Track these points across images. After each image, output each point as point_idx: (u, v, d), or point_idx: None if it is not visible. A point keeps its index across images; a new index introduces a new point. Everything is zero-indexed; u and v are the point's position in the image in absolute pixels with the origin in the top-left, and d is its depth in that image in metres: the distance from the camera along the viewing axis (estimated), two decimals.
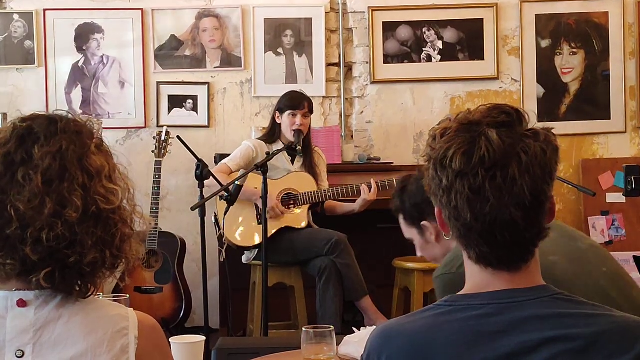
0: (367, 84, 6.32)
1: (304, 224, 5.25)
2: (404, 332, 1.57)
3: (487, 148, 1.51)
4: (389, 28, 6.27)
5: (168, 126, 5.84)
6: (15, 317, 1.55)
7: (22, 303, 1.56)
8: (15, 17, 6.13)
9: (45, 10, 6.13)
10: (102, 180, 1.61)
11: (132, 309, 1.64)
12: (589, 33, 6.34)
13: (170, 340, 2.66)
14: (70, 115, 1.65)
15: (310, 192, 5.23)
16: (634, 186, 4.74)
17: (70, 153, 1.59)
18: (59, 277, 1.55)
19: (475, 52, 6.31)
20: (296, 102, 5.27)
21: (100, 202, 1.58)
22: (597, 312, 1.53)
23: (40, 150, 1.57)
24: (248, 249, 5.23)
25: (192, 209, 4.58)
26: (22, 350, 1.54)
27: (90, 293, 1.61)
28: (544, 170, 1.53)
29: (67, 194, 1.55)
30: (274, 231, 5.10)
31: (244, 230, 5.20)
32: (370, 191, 5.17)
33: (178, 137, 4.81)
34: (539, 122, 1.62)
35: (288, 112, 5.25)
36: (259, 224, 4.93)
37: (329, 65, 6.31)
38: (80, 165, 1.59)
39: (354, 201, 5.29)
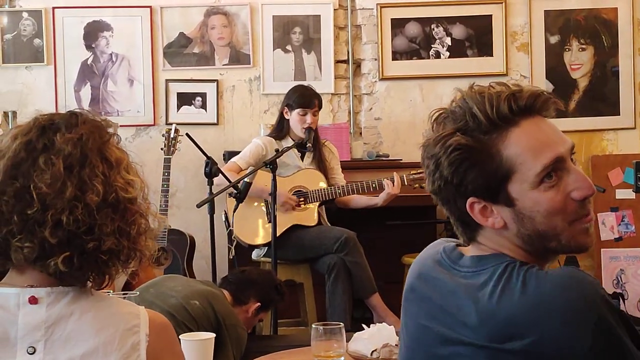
0: (375, 81, 6.31)
1: (313, 222, 5.24)
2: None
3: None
4: (398, 25, 6.27)
5: (177, 124, 5.84)
6: (27, 314, 1.56)
7: (33, 300, 1.56)
8: (25, 15, 6.14)
9: (54, 8, 6.14)
10: (121, 171, 1.63)
11: (143, 307, 1.65)
12: (598, 29, 6.33)
13: (180, 337, 2.67)
14: (89, 113, 1.68)
15: (320, 190, 5.22)
16: None
17: (91, 142, 1.61)
18: (77, 263, 1.55)
19: (484, 48, 6.30)
20: (307, 99, 5.24)
21: (119, 191, 1.60)
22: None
23: (62, 138, 1.59)
24: (258, 247, 5.23)
25: (198, 205, 4.60)
26: (33, 347, 1.55)
27: (104, 284, 1.62)
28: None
29: (87, 179, 1.57)
30: (283, 229, 5.10)
31: (253, 228, 5.20)
32: (393, 185, 5.15)
33: (187, 134, 4.81)
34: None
35: (298, 109, 5.23)
36: (269, 222, 4.93)
37: (337, 62, 6.31)
38: (100, 155, 1.61)
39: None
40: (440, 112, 1.65)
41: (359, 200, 5.35)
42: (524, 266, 1.54)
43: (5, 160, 1.57)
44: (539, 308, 1.46)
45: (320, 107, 5.30)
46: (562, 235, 1.57)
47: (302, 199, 5.25)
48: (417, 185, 5.23)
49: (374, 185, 5.18)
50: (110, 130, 1.67)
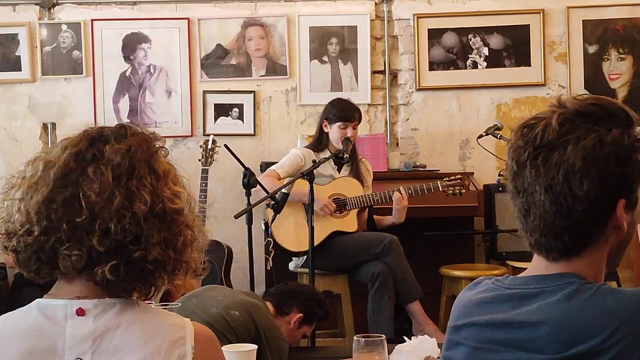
0: (412, 91, 6.30)
1: (354, 228, 5.23)
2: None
3: (544, 129, 1.55)
4: (435, 35, 6.25)
5: (214, 135, 5.87)
6: (74, 326, 1.57)
7: (81, 311, 1.57)
8: (64, 27, 6.20)
9: (92, 20, 6.20)
10: (168, 182, 1.65)
11: (188, 319, 1.65)
12: (636, 38, 6.27)
13: (222, 348, 2.67)
14: (137, 126, 1.70)
15: (359, 196, 5.21)
16: None
17: (139, 153, 1.63)
18: (123, 272, 1.57)
19: (521, 58, 6.27)
20: (347, 114, 5.23)
21: (166, 202, 1.61)
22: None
23: (111, 149, 1.61)
24: (298, 254, 5.22)
25: (236, 216, 4.60)
26: (80, 358, 1.55)
27: (150, 295, 1.63)
28: (590, 167, 1.52)
29: (135, 189, 1.59)
30: (324, 236, 5.09)
31: (295, 235, 5.18)
32: (402, 198, 5.15)
33: (225, 145, 4.83)
34: None
35: (339, 123, 5.22)
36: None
37: (374, 72, 6.30)
38: (148, 166, 1.63)
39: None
40: (565, 113, 1.58)
41: (385, 222, 5.35)
42: (596, 283, 1.55)
43: (55, 170, 1.60)
44: (611, 315, 1.47)
45: (359, 120, 5.30)
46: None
47: (340, 207, 5.23)
48: (450, 191, 5.22)
49: (409, 192, 5.18)
50: (159, 143, 1.69)
